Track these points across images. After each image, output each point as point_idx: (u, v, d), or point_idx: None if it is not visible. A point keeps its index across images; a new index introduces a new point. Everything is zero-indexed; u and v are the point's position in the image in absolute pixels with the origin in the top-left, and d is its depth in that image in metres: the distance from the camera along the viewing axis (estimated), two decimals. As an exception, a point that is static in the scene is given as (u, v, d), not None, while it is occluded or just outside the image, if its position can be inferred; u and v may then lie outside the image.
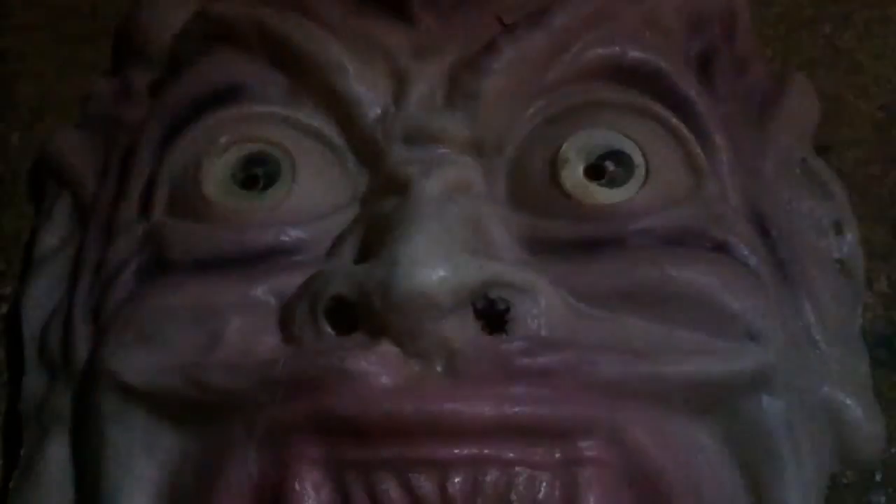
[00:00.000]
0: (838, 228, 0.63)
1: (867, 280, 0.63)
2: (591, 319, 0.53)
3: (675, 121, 0.59)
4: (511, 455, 0.49)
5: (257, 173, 0.58)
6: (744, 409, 0.53)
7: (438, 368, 0.51)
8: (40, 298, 0.61)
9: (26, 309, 0.61)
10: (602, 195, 0.56)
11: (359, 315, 0.51)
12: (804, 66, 0.69)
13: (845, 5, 0.71)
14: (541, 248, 0.56)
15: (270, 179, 0.58)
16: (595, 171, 0.57)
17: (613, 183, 0.57)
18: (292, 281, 0.54)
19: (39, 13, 0.73)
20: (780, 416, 0.54)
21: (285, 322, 0.54)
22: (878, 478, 0.59)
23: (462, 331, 0.51)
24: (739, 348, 0.54)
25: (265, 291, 0.54)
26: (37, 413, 0.58)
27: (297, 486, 0.49)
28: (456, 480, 0.49)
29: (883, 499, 0.59)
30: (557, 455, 0.50)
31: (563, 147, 0.57)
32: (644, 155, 0.57)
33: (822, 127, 0.66)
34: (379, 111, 0.59)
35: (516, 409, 0.50)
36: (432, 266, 0.50)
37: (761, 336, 0.54)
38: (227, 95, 0.60)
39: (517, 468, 0.49)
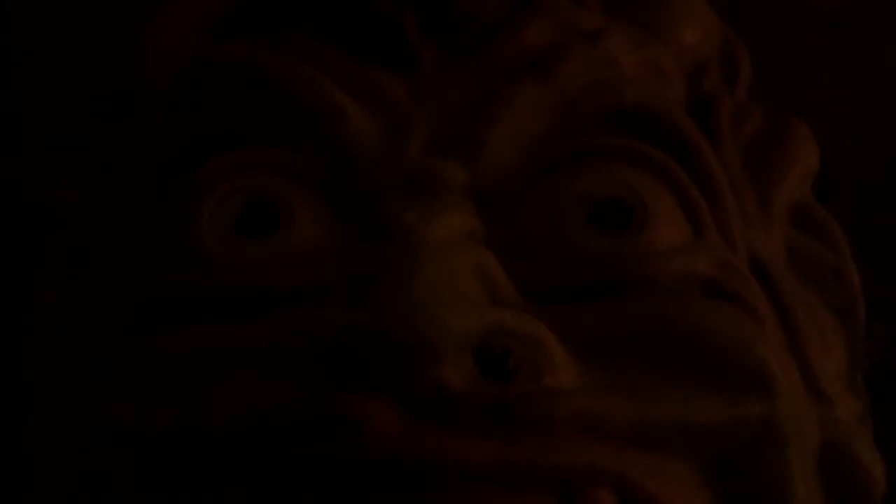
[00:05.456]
0: (838, 275, 0.63)
1: (867, 327, 0.62)
2: (594, 367, 0.53)
3: (676, 167, 0.58)
4: None
5: (254, 221, 0.57)
6: (751, 456, 0.53)
7: (437, 416, 0.50)
8: (40, 346, 0.60)
9: (27, 355, 0.61)
10: (602, 243, 0.56)
11: (357, 362, 0.51)
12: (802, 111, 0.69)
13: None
14: (541, 295, 0.55)
15: (267, 227, 0.57)
16: (595, 219, 0.57)
17: (614, 230, 0.57)
18: (289, 328, 0.54)
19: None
20: (787, 464, 0.53)
21: (282, 369, 0.53)
22: (879, 524, 0.59)
23: (462, 378, 0.50)
24: (747, 396, 0.53)
25: (262, 339, 0.54)
26: (38, 460, 0.58)
27: None
28: None
29: (884, 544, 0.59)
30: None
31: (563, 195, 0.57)
32: (644, 202, 0.57)
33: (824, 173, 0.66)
34: (378, 157, 0.58)
35: (517, 458, 0.49)
36: (432, 313, 0.50)
37: (768, 384, 0.54)
38: (223, 142, 0.60)
39: None
